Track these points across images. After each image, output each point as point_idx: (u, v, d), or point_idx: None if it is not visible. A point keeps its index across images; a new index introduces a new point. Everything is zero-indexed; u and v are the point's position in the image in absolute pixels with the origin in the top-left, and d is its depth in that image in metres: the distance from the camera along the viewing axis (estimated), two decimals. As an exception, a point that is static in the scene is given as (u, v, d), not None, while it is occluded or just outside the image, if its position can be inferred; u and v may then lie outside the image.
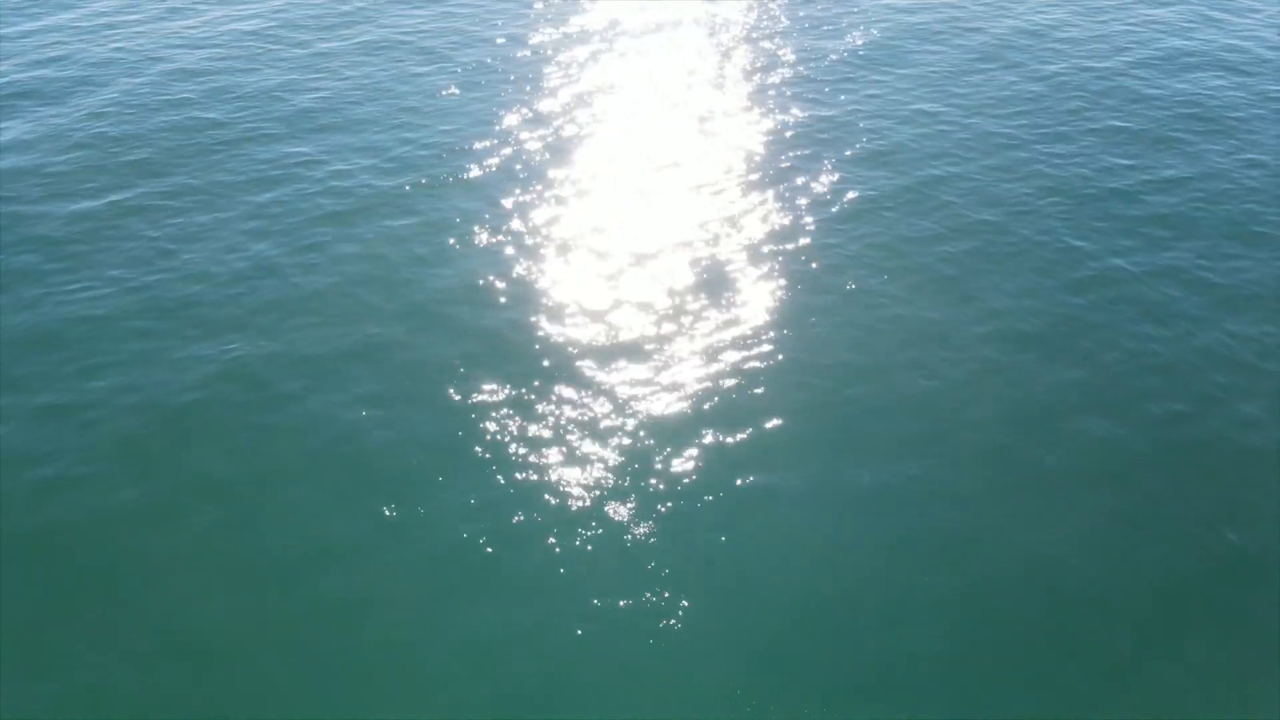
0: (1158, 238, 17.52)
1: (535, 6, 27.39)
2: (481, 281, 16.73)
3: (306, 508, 12.84)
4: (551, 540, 12.39)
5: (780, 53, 24.68)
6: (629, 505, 12.82)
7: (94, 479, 13.10)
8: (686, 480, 13.19)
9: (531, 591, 11.80)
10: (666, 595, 11.73)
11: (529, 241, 17.70)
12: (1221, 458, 13.48)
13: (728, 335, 15.54)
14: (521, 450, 13.59)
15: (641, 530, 12.49)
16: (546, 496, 12.96)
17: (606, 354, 15.20)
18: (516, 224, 18.17)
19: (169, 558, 12.25)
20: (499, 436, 13.80)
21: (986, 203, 18.69)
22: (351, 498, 12.96)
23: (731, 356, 15.13)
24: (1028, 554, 12.34)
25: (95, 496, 12.90)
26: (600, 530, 12.49)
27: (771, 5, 27.41)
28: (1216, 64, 23.72)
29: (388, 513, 12.74)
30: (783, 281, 16.69)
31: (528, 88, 23.01)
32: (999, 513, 12.85)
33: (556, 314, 15.99)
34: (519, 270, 16.98)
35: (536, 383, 14.65)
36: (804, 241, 17.65)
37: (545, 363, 15.05)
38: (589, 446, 13.64)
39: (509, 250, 17.48)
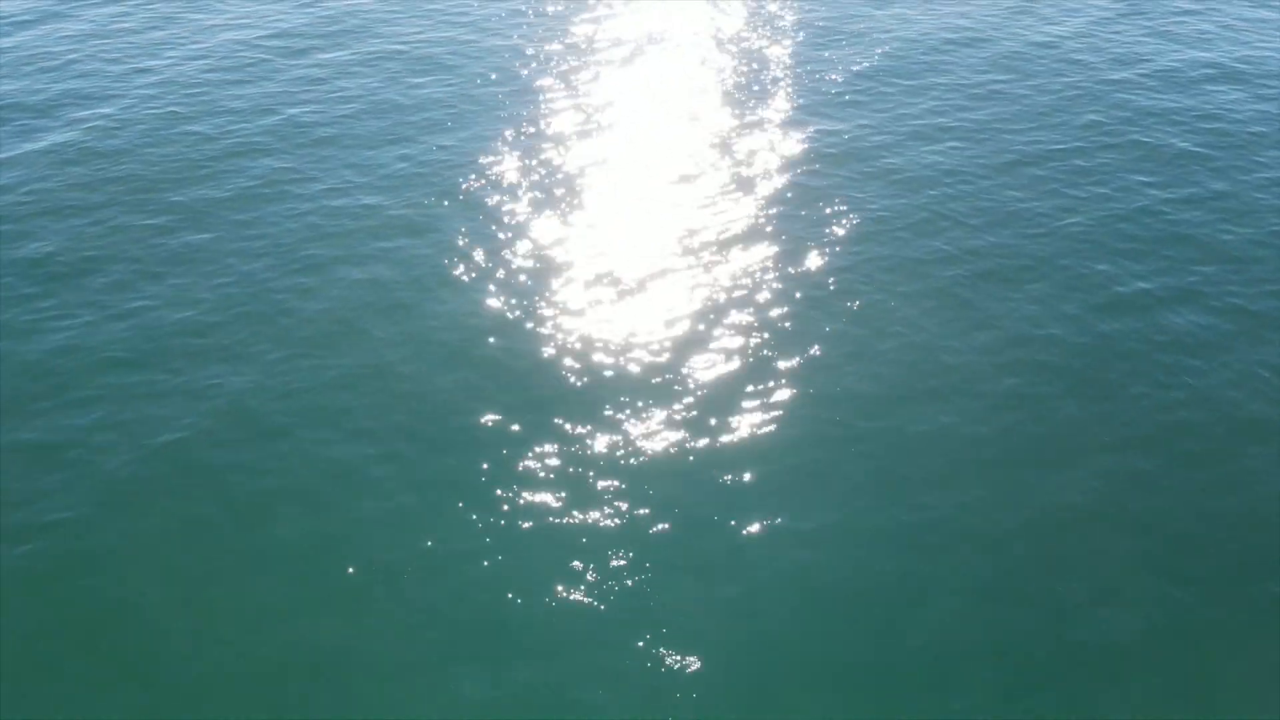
0: (1182, 260, 16.90)
1: (535, 18, 26.75)
2: (480, 306, 16.11)
3: (295, 552, 12.20)
4: (551, 591, 11.74)
5: (786, 67, 24.07)
6: (633, 553, 12.18)
7: (73, 523, 12.45)
8: (694, 524, 12.55)
9: (530, 647, 11.16)
10: (673, 655, 11.08)
11: (529, 263, 17.07)
12: (1259, 500, 12.83)
13: (734, 366, 14.91)
14: (521, 490, 12.95)
15: (647, 581, 11.85)
16: (547, 542, 12.32)
17: (609, 385, 14.56)
18: (517, 245, 17.54)
19: (152, 605, 11.60)
20: (497, 475, 13.16)
21: (1001, 222, 18.06)
22: (342, 541, 12.31)
23: (738, 388, 14.51)
24: (1054, 602, 11.70)
25: (75, 541, 12.24)
26: (603, 580, 11.85)
27: (779, 19, 26.79)
28: (1234, 77, 23.10)
29: (380, 558, 12.10)
30: (790, 308, 16.06)
31: (529, 102, 22.38)
32: (1023, 557, 12.21)
33: (558, 341, 15.36)
34: (519, 294, 16.34)
35: (537, 416, 14.02)
36: (812, 264, 17.02)
37: (546, 394, 14.42)
38: (590, 487, 13.00)
39: (509, 273, 16.85)
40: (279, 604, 11.63)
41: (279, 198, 18.78)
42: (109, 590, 11.75)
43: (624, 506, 12.74)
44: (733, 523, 12.56)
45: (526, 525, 12.51)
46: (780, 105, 22.13)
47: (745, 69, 23.89)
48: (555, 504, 12.77)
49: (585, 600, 11.61)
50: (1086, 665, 11.08)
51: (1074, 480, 13.19)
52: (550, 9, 27.16)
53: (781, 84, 23.07)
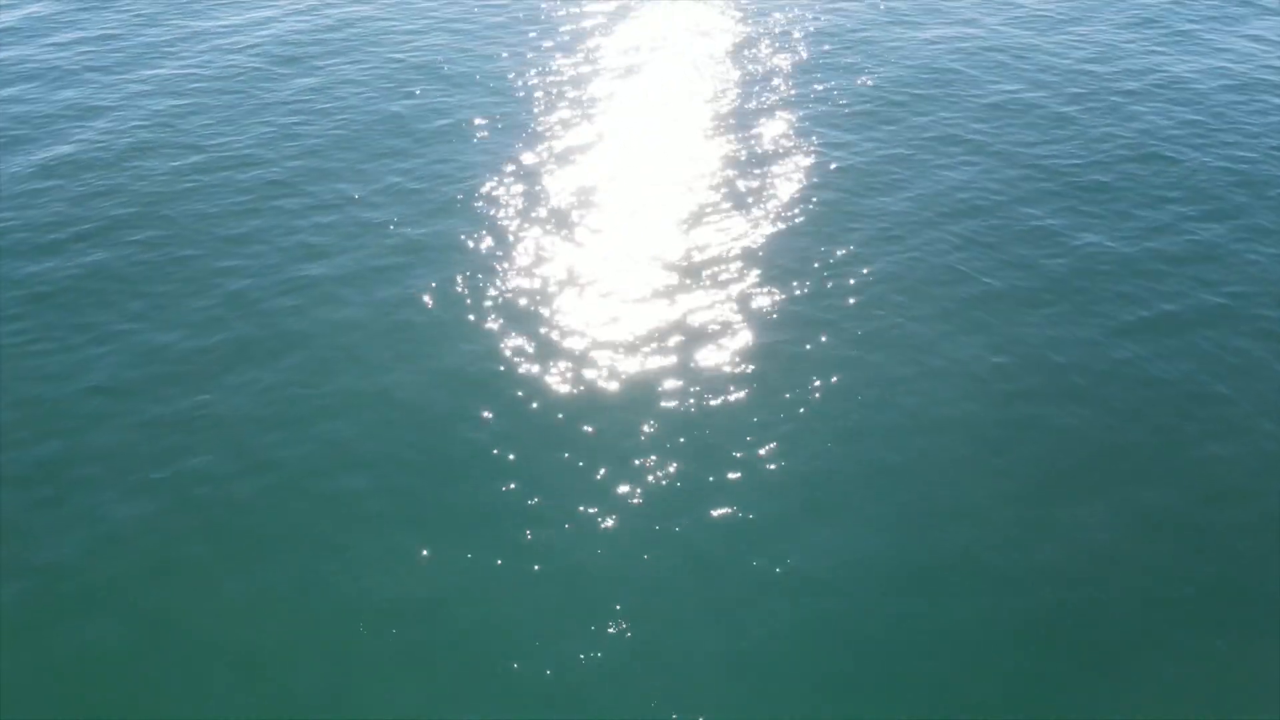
0: (1207, 280, 16.31)
1: (535, 27, 26.14)
2: (480, 329, 15.51)
3: (286, 593, 11.62)
4: (554, 637, 11.16)
5: (793, 79, 23.48)
6: (640, 597, 11.57)
7: (56, 565, 11.85)
8: (704, 565, 11.95)
9: (530, 698, 10.57)
10: (684, 712, 10.49)
11: (531, 283, 16.46)
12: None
13: (742, 394, 14.32)
14: (523, 527, 12.34)
15: (655, 628, 11.25)
16: (549, 584, 11.72)
17: (613, 413, 13.97)
18: (518, 263, 16.94)
19: (136, 649, 11.03)
20: (498, 511, 12.57)
21: (1016, 241, 17.48)
22: (337, 582, 11.73)
23: (747, 418, 13.91)
24: (1079, 650, 11.14)
25: (58, 583, 11.64)
26: (608, 627, 11.26)
27: (787, 32, 26.21)
28: (1253, 87, 22.54)
29: (376, 599, 11.51)
30: (800, 332, 15.46)
31: (530, 113, 21.79)
32: (1043, 600, 11.61)
33: (560, 366, 14.75)
34: (520, 316, 15.74)
35: (538, 447, 13.42)
36: (822, 286, 16.42)
37: (548, 423, 13.83)
38: (595, 524, 12.41)
39: (510, 294, 16.25)
40: (270, 648, 11.07)
41: (270, 213, 18.17)
42: (93, 634, 11.16)
43: (630, 546, 12.16)
44: (743, 564, 11.98)
45: (529, 566, 11.93)
46: (787, 118, 21.53)
47: (752, 80, 23.30)
48: (558, 542, 12.19)
49: (590, 648, 11.03)
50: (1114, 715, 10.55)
51: (1096, 517, 12.61)
52: (551, 17, 26.55)
53: (788, 97, 22.48)
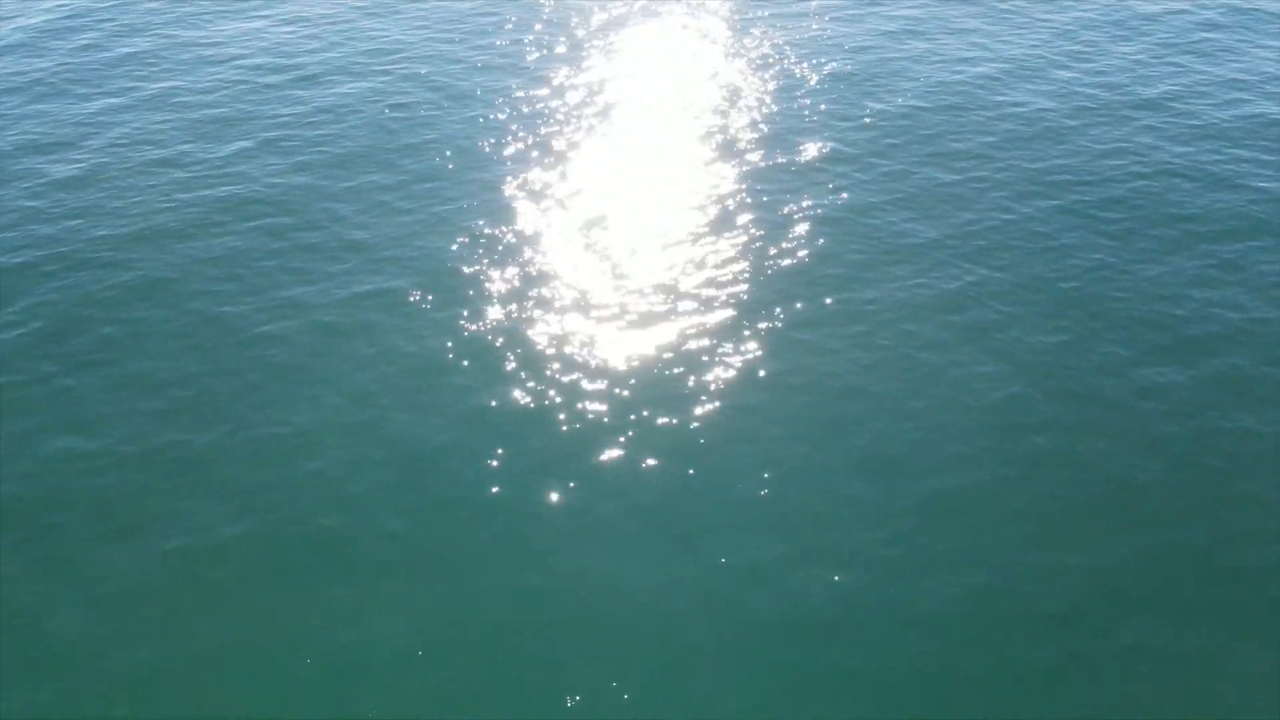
0: (1229, 303, 15.70)
1: (533, 36, 25.48)
2: (471, 356, 14.86)
3: (264, 647, 10.97)
4: (553, 688, 10.52)
5: (796, 96, 22.85)
6: (642, 644, 10.95)
7: (16, 623, 11.19)
8: (707, 608, 11.33)
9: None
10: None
11: (528, 310, 15.80)
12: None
13: (746, 426, 13.70)
14: (513, 569, 11.70)
15: (660, 676, 10.62)
16: (548, 629, 11.10)
17: (609, 445, 13.34)
18: (514, 286, 16.28)
19: (108, 705, 10.39)
20: (488, 550, 11.94)
21: (1030, 262, 16.87)
22: (319, 633, 11.08)
23: (746, 452, 13.30)
24: (1105, 699, 10.54)
25: (18, 640, 11.00)
26: (610, 678, 10.63)
27: (793, 52, 25.58)
28: (1271, 99, 21.97)
29: (362, 652, 10.87)
30: (800, 361, 14.84)
31: (527, 127, 21.12)
32: (1069, 644, 11.01)
33: (554, 395, 14.09)
34: (517, 342, 15.09)
35: (530, 482, 12.79)
36: (826, 312, 15.80)
37: (541, 456, 13.21)
38: (597, 564, 11.79)
39: (505, 319, 15.59)
40: (250, 703, 10.42)
41: (253, 234, 17.49)
42: (64, 690, 10.52)
43: (633, 589, 11.53)
44: (749, 607, 11.36)
45: (527, 611, 11.29)
46: (788, 135, 20.88)
47: (753, 96, 22.65)
48: (558, 586, 11.55)
49: (593, 696, 10.38)
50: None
51: (1115, 559, 11.99)
52: (547, 29, 25.88)
53: (790, 112, 21.83)
